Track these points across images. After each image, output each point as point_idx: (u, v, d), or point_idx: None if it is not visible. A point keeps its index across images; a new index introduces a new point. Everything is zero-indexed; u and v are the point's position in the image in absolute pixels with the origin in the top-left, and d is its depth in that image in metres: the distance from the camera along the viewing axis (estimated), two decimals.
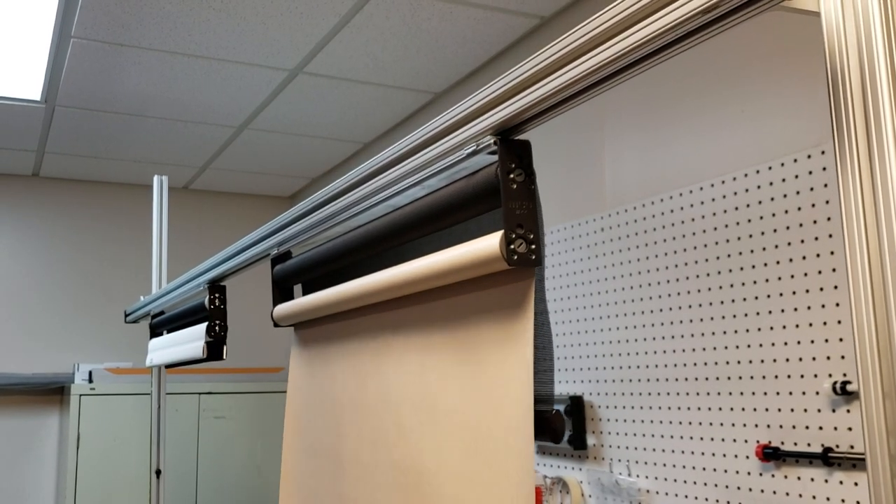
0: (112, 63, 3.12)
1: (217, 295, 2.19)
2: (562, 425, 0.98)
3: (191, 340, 2.29)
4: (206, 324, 2.18)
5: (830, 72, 0.73)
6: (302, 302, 1.47)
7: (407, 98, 3.53)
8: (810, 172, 1.83)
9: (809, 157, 1.84)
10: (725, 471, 2.00)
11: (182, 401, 4.22)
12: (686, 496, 2.10)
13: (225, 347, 2.20)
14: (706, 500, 2.05)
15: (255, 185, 4.96)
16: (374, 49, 3.03)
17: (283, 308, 1.60)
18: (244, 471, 4.31)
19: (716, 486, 2.02)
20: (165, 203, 3.41)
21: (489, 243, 0.97)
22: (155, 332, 2.89)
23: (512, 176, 0.98)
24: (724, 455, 2.00)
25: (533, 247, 0.97)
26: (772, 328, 1.90)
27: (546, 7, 2.77)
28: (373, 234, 1.21)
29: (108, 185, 4.80)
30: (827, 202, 1.79)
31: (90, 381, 4.11)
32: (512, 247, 0.96)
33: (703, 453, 2.06)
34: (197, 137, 4.01)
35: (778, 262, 1.89)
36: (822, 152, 1.81)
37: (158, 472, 3.27)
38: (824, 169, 1.80)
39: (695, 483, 2.08)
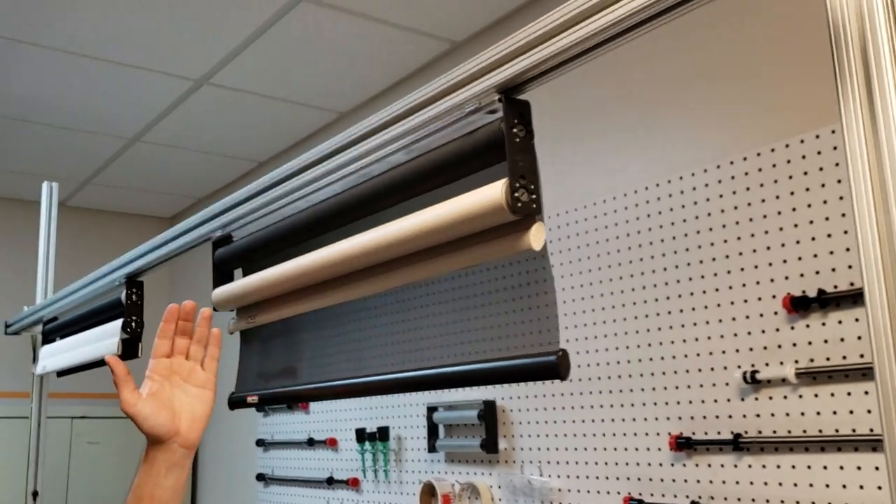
0: (6, 60, 2.98)
1: (134, 290, 2.12)
2: (567, 363, 1.04)
3: (101, 339, 2.20)
4: (121, 320, 2.11)
5: (834, 37, 0.84)
6: (264, 276, 1.46)
7: (311, 116, 3.54)
8: (719, 181, 2.00)
9: (719, 167, 2.00)
10: (638, 463, 2.10)
11: (53, 425, 3.97)
12: (599, 491, 2.19)
13: (141, 345, 2.13)
14: (618, 493, 2.14)
15: (135, 203, 4.79)
16: (286, 63, 3.05)
17: (236, 286, 1.58)
18: (118, 500, 4.08)
19: (628, 479, 2.12)
20: (55, 211, 3.26)
21: (491, 191, 1.03)
22: (47, 338, 2.75)
23: (515, 131, 1.05)
24: (637, 449, 2.11)
25: (534, 196, 1.03)
26: (683, 325, 2.04)
27: (458, 32, 2.88)
28: (363, 196, 1.24)
29: None
30: (735, 208, 1.95)
31: None
32: (516, 195, 1.02)
33: (615, 448, 2.16)
34: (83, 148, 3.86)
35: (689, 264, 2.04)
36: (731, 162, 1.98)
37: (35, 494, 3.07)
38: (733, 178, 1.97)
39: (607, 478, 2.18)
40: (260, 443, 3.60)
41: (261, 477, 3.61)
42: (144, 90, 3.25)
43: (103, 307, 2.28)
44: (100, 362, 2.27)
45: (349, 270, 1.28)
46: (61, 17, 2.69)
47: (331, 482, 3.14)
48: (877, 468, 1.66)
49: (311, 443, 3.23)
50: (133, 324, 2.11)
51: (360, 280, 1.28)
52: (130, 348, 2.12)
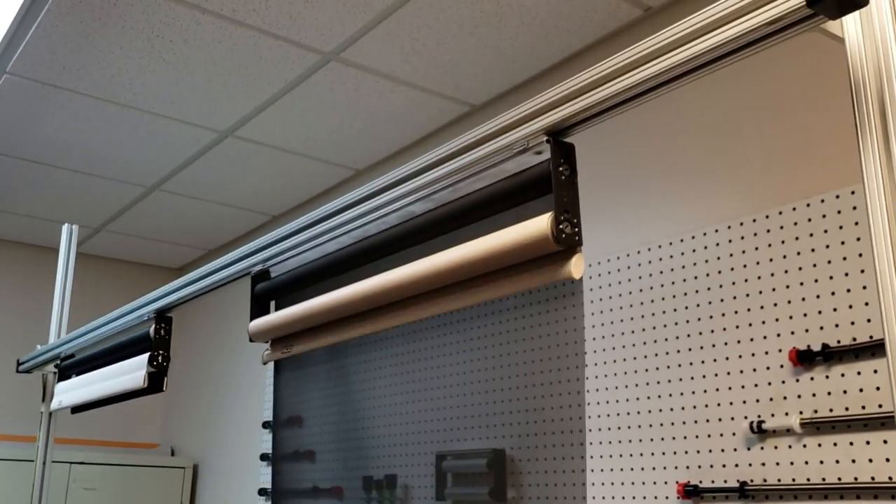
0: (39, 105, 3.11)
1: (163, 325, 2.20)
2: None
3: (125, 373, 2.26)
4: (147, 354, 2.18)
5: (853, 87, 0.96)
6: (308, 306, 1.55)
7: (328, 172, 3.67)
8: (730, 241, 2.11)
9: (730, 227, 2.12)
10: None
11: (51, 469, 3.98)
12: None
13: (166, 379, 2.20)
14: None
15: (144, 252, 4.88)
16: (310, 119, 3.18)
17: (276, 317, 1.66)
18: None
19: None
20: (73, 252, 3.34)
21: (538, 223, 1.13)
22: (63, 375, 2.80)
23: (561, 169, 1.15)
24: (644, 497, 2.17)
25: (576, 229, 1.13)
26: (692, 377, 2.12)
27: (478, 96, 3.02)
28: (411, 230, 1.33)
29: None
30: (745, 266, 2.06)
31: None
32: (561, 227, 1.12)
33: (623, 497, 2.22)
34: (101, 195, 3.96)
35: (699, 319, 2.13)
36: (741, 223, 2.09)
37: None
38: (742, 238, 2.08)
39: None
40: (263, 492, 3.62)
41: None
42: (170, 139, 3.37)
43: (128, 342, 2.35)
44: (122, 396, 2.33)
45: (393, 299, 1.37)
46: (97, 63, 2.82)
47: None
48: None
49: (315, 491, 3.25)
50: (160, 357, 2.18)
51: (403, 308, 1.37)
52: (155, 382, 2.19)
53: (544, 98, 1.17)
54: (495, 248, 1.17)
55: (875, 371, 1.79)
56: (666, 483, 2.13)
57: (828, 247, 1.91)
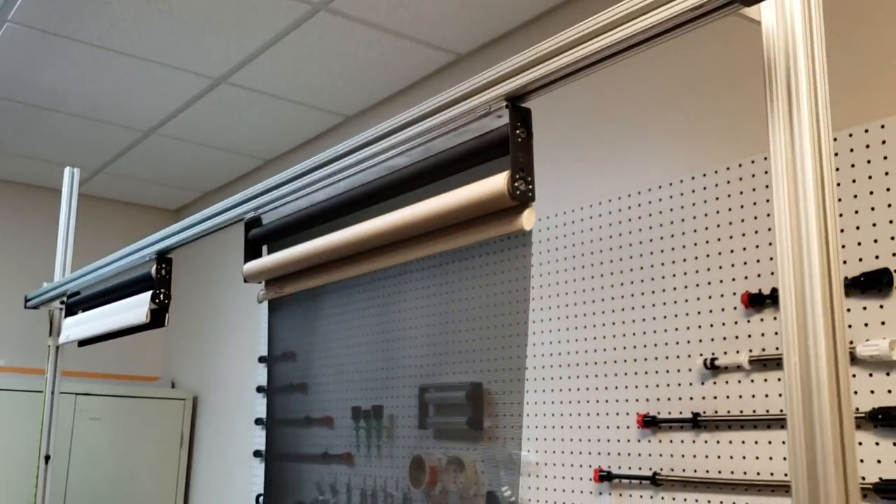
0: (40, 52, 3.21)
1: (164, 265, 2.35)
2: None
3: (129, 309, 2.42)
4: (150, 292, 2.33)
5: (766, 65, 1.09)
6: (295, 251, 1.70)
7: (319, 118, 3.78)
8: (693, 191, 2.25)
9: (694, 177, 2.26)
10: (608, 440, 2.35)
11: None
12: (573, 465, 2.44)
13: (167, 315, 2.36)
14: (590, 466, 2.39)
15: (142, 194, 5.01)
16: (301, 67, 3.29)
17: (268, 260, 1.82)
18: (117, 474, 4.29)
19: (599, 453, 2.37)
20: (76, 194, 3.48)
21: (496, 181, 1.27)
22: (70, 311, 2.96)
23: (518, 132, 1.29)
24: (608, 427, 2.36)
25: (530, 186, 1.28)
26: (654, 318, 2.29)
27: (462, 45, 3.13)
28: (385, 185, 1.48)
29: None
30: (706, 215, 2.21)
31: None
32: (516, 185, 1.26)
33: (588, 427, 2.41)
34: (99, 138, 4.08)
35: (662, 264, 2.29)
36: (704, 174, 2.24)
37: (48, 458, 3.27)
38: (705, 188, 2.23)
39: (580, 453, 2.42)
40: (259, 422, 3.83)
41: (258, 454, 3.84)
42: (165, 85, 3.48)
43: (131, 281, 2.51)
44: (126, 330, 2.50)
45: (371, 246, 1.52)
46: (94, 13, 2.92)
47: (325, 457, 3.36)
48: None
49: (308, 421, 3.46)
50: (161, 295, 2.34)
51: (379, 255, 1.52)
52: (158, 317, 2.35)
53: (505, 66, 1.30)
54: (458, 203, 1.32)
55: None
56: (628, 414, 2.31)
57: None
